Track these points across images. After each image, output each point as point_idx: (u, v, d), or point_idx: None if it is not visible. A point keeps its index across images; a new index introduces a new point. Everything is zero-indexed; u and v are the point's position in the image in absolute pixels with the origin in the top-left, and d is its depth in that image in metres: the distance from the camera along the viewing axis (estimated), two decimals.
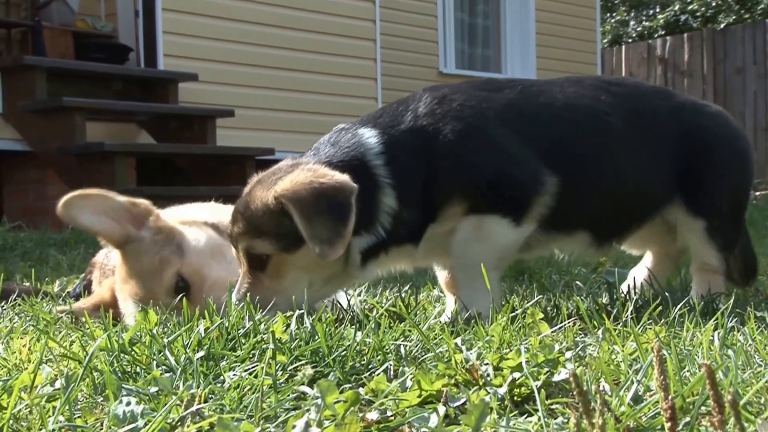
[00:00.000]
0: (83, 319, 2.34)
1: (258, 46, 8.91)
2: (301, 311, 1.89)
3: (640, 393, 1.37)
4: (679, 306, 2.07)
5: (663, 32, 21.28)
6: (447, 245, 2.34)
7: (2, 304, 2.80)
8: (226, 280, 2.27)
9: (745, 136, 2.70)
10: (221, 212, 2.68)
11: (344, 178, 2.14)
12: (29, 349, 2.00)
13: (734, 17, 21.19)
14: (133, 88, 8.23)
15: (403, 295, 2.84)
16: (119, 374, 1.67)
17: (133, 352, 1.73)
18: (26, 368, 1.87)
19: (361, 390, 1.53)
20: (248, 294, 2.14)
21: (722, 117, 2.63)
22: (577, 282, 3.07)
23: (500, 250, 2.30)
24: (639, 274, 2.77)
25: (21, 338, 2.15)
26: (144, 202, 2.52)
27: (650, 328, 1.89)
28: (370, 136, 2.26)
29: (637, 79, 2.75)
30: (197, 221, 2.54)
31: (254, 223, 2.19)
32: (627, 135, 2.47)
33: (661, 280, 2.70)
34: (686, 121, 2.53)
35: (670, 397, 1.09)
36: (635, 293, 2.50)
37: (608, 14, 23.46)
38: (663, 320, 2.01)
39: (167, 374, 1.59)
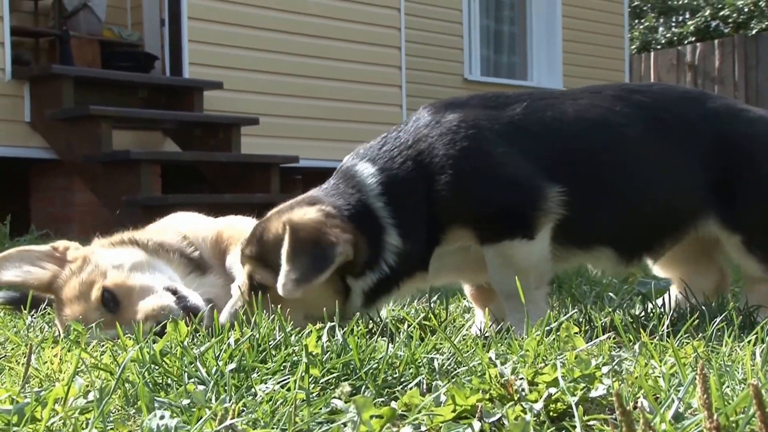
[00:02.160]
0: None
1: (283, 54, 8.93)
2: (333, 324, 1.88)
3: (680, 410, 1.35)
4: (717, 320, 2.03)
5: (693, 39, 21.12)
6: (459, 263, 2.33)
7: (32, 313, 2.81)
8: (153, 286, 2.34)
9: None
10: (164, 228, 2.75)
11: (343, 238, 2.16)
12: (60, 359, 2.00)
13: (767, 23, 20.99)
14: (158, 97, 8.27)
15: (432, 305, 2.82)
16: (150, 386, 1.67)
17: (164, 364, 1.73)
18: (58, 378, 1.87)
19: (394, 404, 1.52)
20: (238, 313, 2.19)
21: (763, 122, 2.47)
22: (609, 294, 3.03)
23: (532, 267, 2.26)
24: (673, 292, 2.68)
25: (52, 348, 2.15)
26: (63, 243, 2.57)
27: (688, 343, 1.85)
28: (368, 175, 2.27)
29: (669, 84, 2.59)
30: (115, 241, 2.56)
31: (263, 251, 2.24)
32: (647, 145, 2.37)
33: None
34: (719, 128, 2.41)
35: (715, 417, 1.06)
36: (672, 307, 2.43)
37: (636, 20, 23.33)
38: (700, 334, 1.98)
39: (200, 386, 1.58)
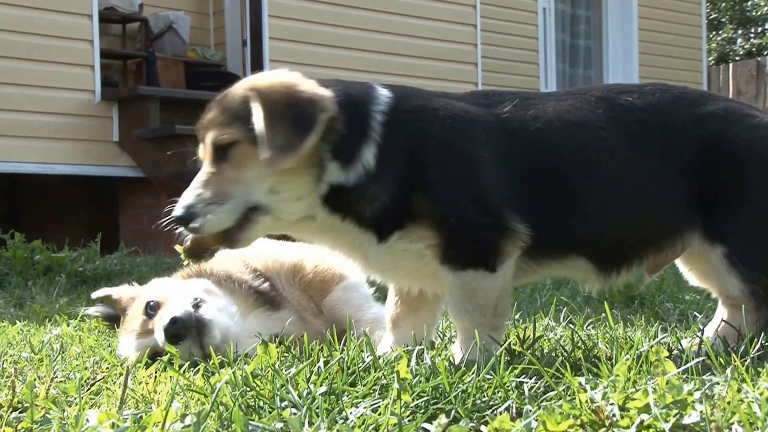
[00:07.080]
0: None
1: (361, 72, 9.01)
2: (421, 347, 1.90)
3: None
4: None
5: None
6: (412, 269, 2.20)
7: None
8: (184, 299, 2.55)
9: None
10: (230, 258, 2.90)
11: (325, 93, 2.04)
12: (155, 380, 2.06)
13: None
14: None
15: (515, 324, 2.81)
16: (243, 408, 1.70)
17: (256, 386, 1.76)
18: (153, 399, 1.93)
19: (484, 428, 1.53)
20: (205, 185, 2.09)
21: None
22: (694, 312, 2.99)
23: (493, 301, 2.15)
24: (711, 327, 2.39)
25: (146, 368, 2.21)
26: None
27: None
28: (385, 95, 2.16)
29: (668, 85, 2.40)
30: (192, 273, 2.82)
31: (226, 110, 2.11)
32: (628, 150, 2.23)
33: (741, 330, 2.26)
34: (712, 130, 2.24)
35: None
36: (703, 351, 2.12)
37: (714, 32, 22.87)
38: None
39: (292, 410, 1.62)
